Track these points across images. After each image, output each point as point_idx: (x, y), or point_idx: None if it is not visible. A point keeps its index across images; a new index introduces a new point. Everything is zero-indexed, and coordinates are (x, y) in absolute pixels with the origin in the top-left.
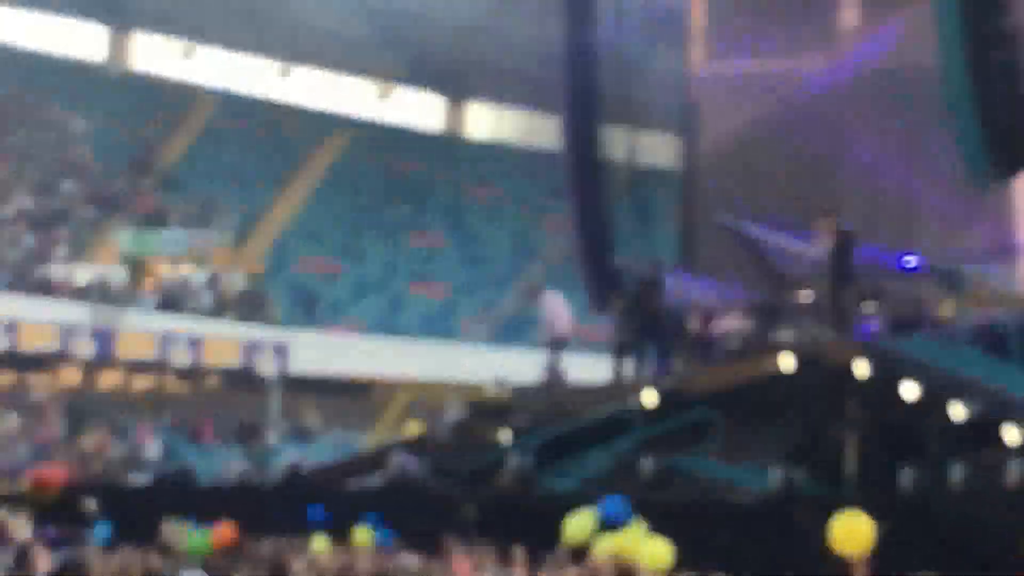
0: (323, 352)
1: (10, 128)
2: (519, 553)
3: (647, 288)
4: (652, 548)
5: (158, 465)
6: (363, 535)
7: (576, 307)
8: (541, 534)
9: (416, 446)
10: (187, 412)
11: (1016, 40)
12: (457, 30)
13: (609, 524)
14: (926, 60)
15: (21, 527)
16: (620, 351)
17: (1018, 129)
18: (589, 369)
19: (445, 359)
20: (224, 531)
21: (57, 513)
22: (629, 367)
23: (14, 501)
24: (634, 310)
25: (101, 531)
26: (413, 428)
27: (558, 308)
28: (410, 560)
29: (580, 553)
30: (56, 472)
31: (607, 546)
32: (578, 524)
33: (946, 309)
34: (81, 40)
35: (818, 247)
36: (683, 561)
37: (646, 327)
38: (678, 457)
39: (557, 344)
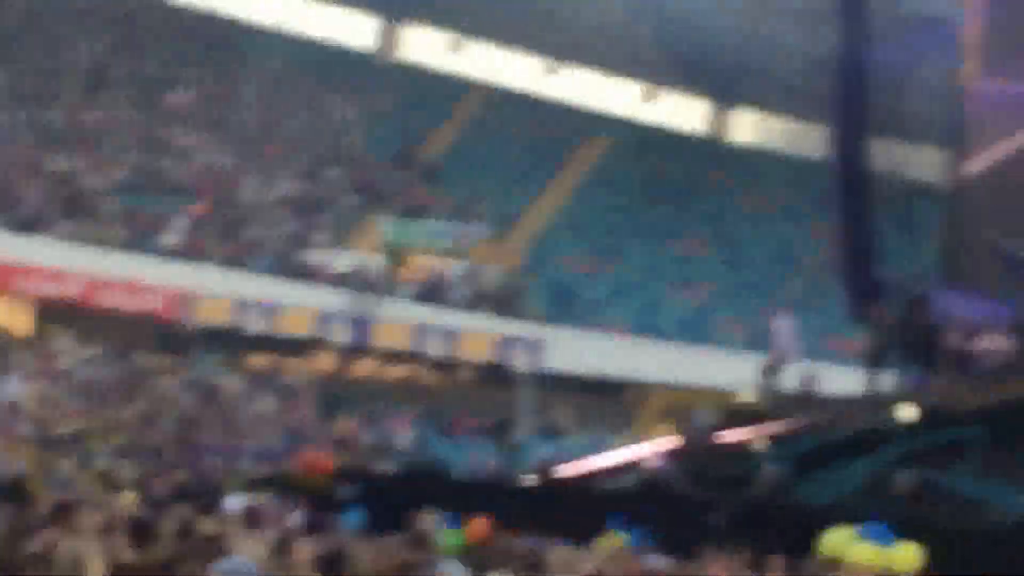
0: (578, 351)
1: (281, 114)
2: (775, 561)
3: (914, 303)
4: (901, 552)
5: (409, 455)
6: (616, 539)
7: (834, 319)
8: (796, 544)
9: (670, 450)
10: (439, 404)
11: None
12: (725, 33)
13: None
14: None
15: (284, 513)
16: (875, 364)
17: None
18: (843, 381)
19: (701, 363)
20: (478, 526)
21: (312, 497)
22: (883, 380)
23: (280, 485)
24: (901, 324)
25: (353, 517)
26: (666, 431)
27: (788, 332)
28: (661, 563)
29: (834, 565)
30: (324, 458)
31: (860, 555)
32: (836, 539)
33: None
34: (353, 29)
35: None
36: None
37: (911, 341)
38: (935, 473)
39: (775, 367)
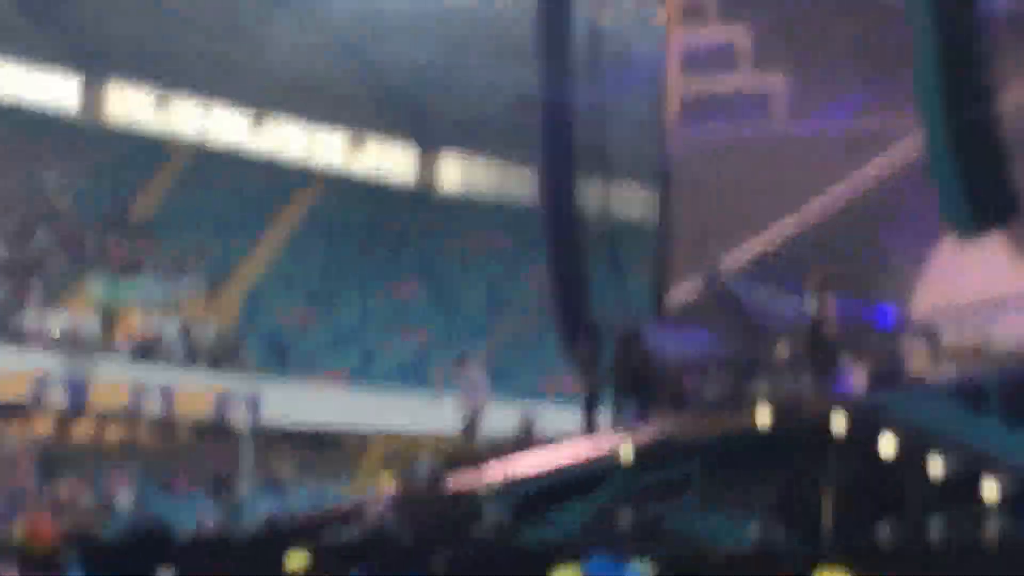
0: (296, 402)
1: None
2: None
3: (628, 340)
4: None
5: (130, 515)
6: None
7: (549, 360)
8: None
9: (392, 497)
10: (159, 462)
11: (992, 94)
12: (430, 82)
13: None
14: None
15: None
16: (589, 403)
17: (997, 181)
18: (562, 421)
19: (420, 409)
20: None
21: (35, 563)
22: (600, 419)
23: (1, 550)
24: (616, 362)
25: None
26: (388, 479)
27: (478, 379)
28: None
29: None
30: (47, 522)
31: None
32: None
33: (923, 363)
34: (55, 90)
35: (807, 301)
36: None
37: (626, 380)
38: (656, 510)
39: (470, 415)
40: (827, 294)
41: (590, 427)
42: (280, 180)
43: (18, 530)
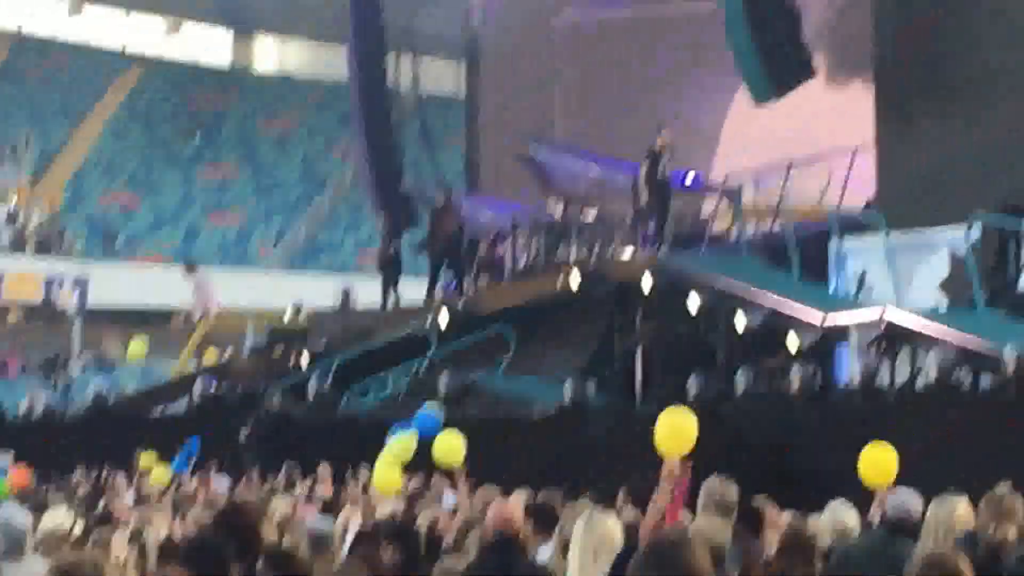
0: (122, 284)
1: None
2: (324, 470)
3: (438, 211)
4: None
5: None
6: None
7: (364, 234)
8: (344, 453)
9: (218, 372)
10: None
11: None
12: None
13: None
14: None
15: None
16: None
17: (788, 45)
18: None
19: (242, 287)
20: (18, 476)
21: None
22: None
23: None
24: (429, 233)
25: None
26: (212, 355)
27: (207, 286)
28: (225, 483)
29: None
30: None
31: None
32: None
33: (725, 223)
34: None
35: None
36: (481, 474)
37: (439, 249)
38: (473, 373)
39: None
40: (660, 158)
41: (396, 296)
42: (98, 67)
43: None
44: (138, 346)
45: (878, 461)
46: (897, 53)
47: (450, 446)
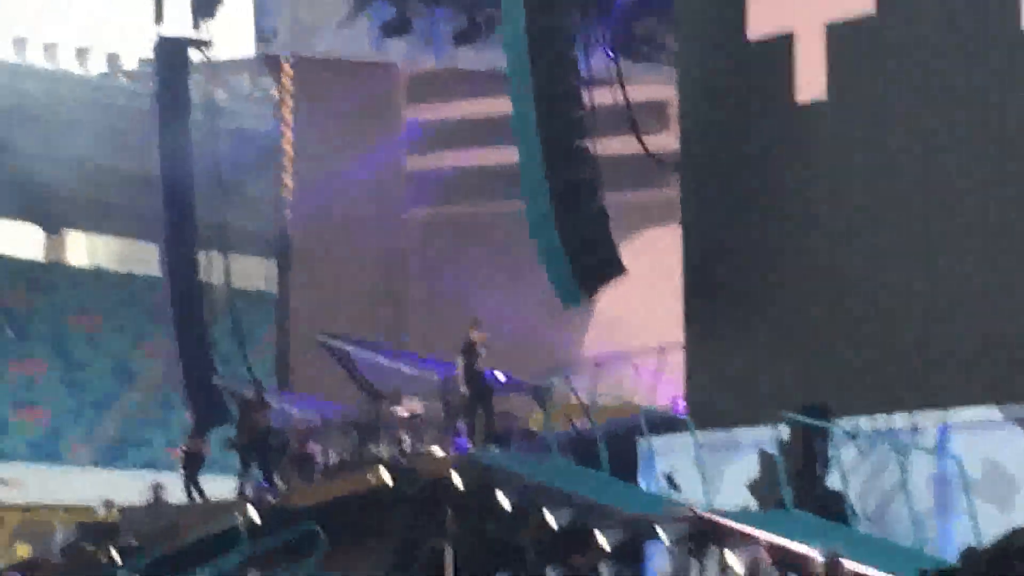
0: None
1: None
2: None
3: (249, 407)
4: None
5: None
6: None
7: (174, 430)
8: None
9: (27, 568)
10: None
11: (591, 157)
12: (56, 164)
13: None
14: None
15: None
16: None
17: (597, 245)
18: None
19: (52, 483)
20: None
21: None
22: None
23: None
24: (239, 428)
25: None
26: (23, 551)
27: None
28: None
29: None
30: None
31: None
32: None
33: (535, 421)
34: None
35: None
36: None
37: (249, 446)
38: (282, 572)
39: None
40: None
41: (198, 491)
42: None
43: None
44: None
45: None
46: (705, 253)
47: None
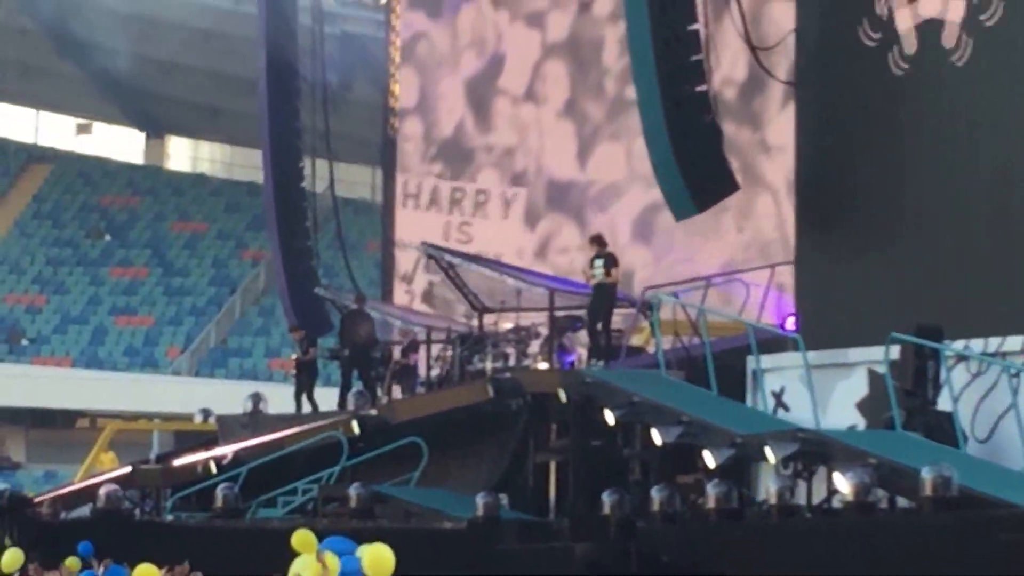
0: (27, 384)
1: None
2: None
3: (351, 318)
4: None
5: None
6: (72, 563)
7: (275, 340)
8: (250, 564)
9: (124, 477)
10: None
11: (703, 72)
12: (158, 66)
13: None
14: None
15: None
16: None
17: (709, 159)
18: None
19: (149, 391)
20: None
21: None
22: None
23: None
24: (342, 339)
25: None
26: (106, 460)
27: None
28: None
29: None
30: None
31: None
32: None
33: (642, 338)
34: None
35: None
36: None
37: (351, 357)
38: (384, 485)
39: None
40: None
41: (311, 403)
42: (6, 164)
43: None
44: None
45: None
46: (819, 173)
47: (380, 559)
